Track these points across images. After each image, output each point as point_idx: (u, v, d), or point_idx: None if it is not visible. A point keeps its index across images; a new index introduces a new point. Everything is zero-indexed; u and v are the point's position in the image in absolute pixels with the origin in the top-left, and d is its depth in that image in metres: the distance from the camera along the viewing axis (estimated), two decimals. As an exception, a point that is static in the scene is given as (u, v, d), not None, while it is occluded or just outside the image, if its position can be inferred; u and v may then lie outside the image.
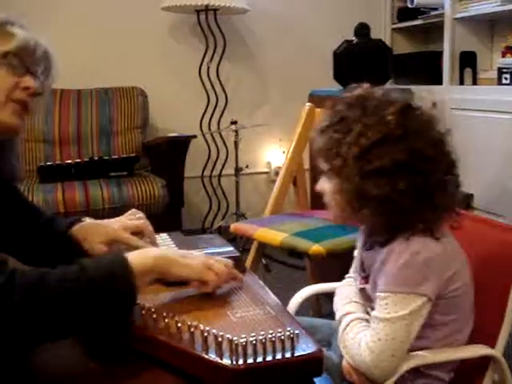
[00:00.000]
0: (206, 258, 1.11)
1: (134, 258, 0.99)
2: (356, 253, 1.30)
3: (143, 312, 1.00)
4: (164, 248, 1.18)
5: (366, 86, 1.17)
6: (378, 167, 1.06)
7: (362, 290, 1.23)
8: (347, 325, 1.17)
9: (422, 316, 1.10)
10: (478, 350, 1.20)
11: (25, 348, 0.89)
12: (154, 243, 1.30)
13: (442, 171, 1.11)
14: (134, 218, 1.33)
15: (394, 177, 1.06)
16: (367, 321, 1.16)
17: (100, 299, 0.92)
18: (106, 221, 1.31)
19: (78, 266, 0.93)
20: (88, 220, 1.31)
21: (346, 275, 1.36)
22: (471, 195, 3.29)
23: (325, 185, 1.17)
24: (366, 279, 1.21)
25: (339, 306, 1.25)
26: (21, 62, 1.16)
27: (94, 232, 1.26)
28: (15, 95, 1.16)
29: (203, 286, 1.08)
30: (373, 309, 1.16)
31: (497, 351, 1.21)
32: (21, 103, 1.16)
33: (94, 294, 0.92)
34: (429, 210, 1.10)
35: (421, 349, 1.14)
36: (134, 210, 1.37)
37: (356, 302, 1.23)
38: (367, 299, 1.21)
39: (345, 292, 1.28)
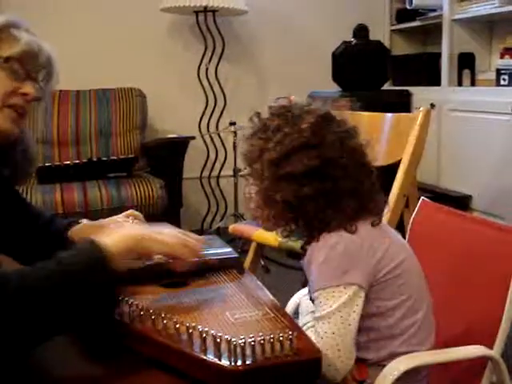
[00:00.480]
0: (179, 234, 1.15)
1: (111, 242, 0.99)
2: None
3: (142, 313, 1.00)
4: (137, 226, 1.18)
5: (291, 97, 1.23)
6: (288, 172, 1.11)
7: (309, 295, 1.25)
8: None
9: (357, 305, 1.10)
10: (476, 351, 1.20)
11: (16, 349, 0.87)
12: None
13: (353, 178, 1.14)
14: (131, 219, 1.33)
15: (303, 182, 1.11)
16: None
17: (82, 292, 0.92)
18: (102, 221, 1.31)
19: (55, 262, 0.92)
20: (85, 221, 1.31)
21: None
22: (470, 197, 3.29)
23: (247, 189, 1.22)
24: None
25: (300, 319, 1.27)
26: (22, 67, 1.15)
27: (89, 233, 1.25)
28: (12, 100, 1.15)
29: (178, 261, 1.13)
30: None
31: (495, 352, 1.21)
32: (17, 108, 1.16)
33: (75, 288, 0.91)
34: (337, 214, 1.13)
35: (376, 340, 1.14)
36: (131, 210, 1.37)
37: (311, 311, 1.23)
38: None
39: (303, 303, 1.31)
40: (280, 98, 1.23)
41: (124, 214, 1.35)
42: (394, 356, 1.13)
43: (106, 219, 1.31)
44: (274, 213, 1.16)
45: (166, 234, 1.11)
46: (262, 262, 3.27)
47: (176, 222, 3.48)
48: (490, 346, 1.21)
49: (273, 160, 1.12)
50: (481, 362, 1.22)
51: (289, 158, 1.12)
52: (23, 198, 1.34)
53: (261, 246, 2.44)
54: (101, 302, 0.96)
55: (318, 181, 1.11)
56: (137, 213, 1.37)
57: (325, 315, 1.10)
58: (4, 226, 1.20)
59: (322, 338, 1.09)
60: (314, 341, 1.07)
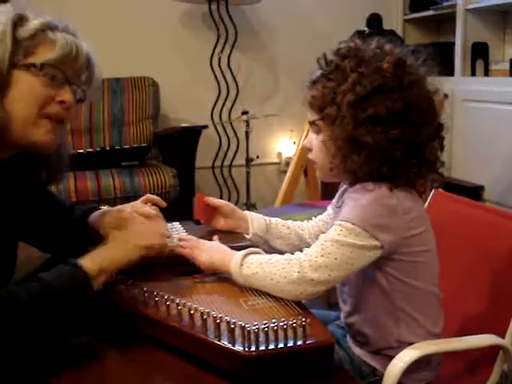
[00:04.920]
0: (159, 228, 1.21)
1: (100, 264, 1.02)
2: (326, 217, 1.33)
3: (156, 299, 1.01)
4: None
5: (356, 40, 1.18)
6: (373, 115, 1.08)
7: None
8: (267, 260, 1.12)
9: (369, 257, 1.08)
10: (488, 340, 1.20)
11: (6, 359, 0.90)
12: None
13: (432, 127, 1.13)
14: (150, 205, 1.32)
15: (388, 126, 1.08)
16: None
17: (66, 309, 0.96)
18: (121, 206, 1.32)
19: (42, 283, 0.95)
20: (105, 207, 1.32)
21: None
22: (482, 187, 3.28)
23: (313, 138, 1.19)
24: None
25: None
26: (60, 72, 1.08)
27: (107, 218, 1.26)
28: (48, 109, 1.07)
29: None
30: None
31: (507, 341, 1.21)
32: (54, 117, 1.09)
33: (61, 306, 0.95)
34: (416, 164, 1.12)
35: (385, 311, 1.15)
36: (148, 195, 1.37)
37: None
38: None
39: None
40: (345, 40, 1.18)
41: (141, 199, 1.34)
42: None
43: (125, 205, 1.32)
44: (351, 157, 1.10)
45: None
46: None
47: (188, 210, 3.50)
48: (502, 335, 1.22)
49: (351, 102, 1.08)
50: (492, 351, 1.22)
51: (368, 100, 1.08)
52: (44, 187, 1.34)
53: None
54: (83, 314, 0.99)
55: (401, 125, 1.08)
56: (154, 197, 1.36)
57: (339, 240, 1.07)
58: (25, 214, 1.21)
59: (322, 256, 1.07)
60: (309, 255, 1.07)
